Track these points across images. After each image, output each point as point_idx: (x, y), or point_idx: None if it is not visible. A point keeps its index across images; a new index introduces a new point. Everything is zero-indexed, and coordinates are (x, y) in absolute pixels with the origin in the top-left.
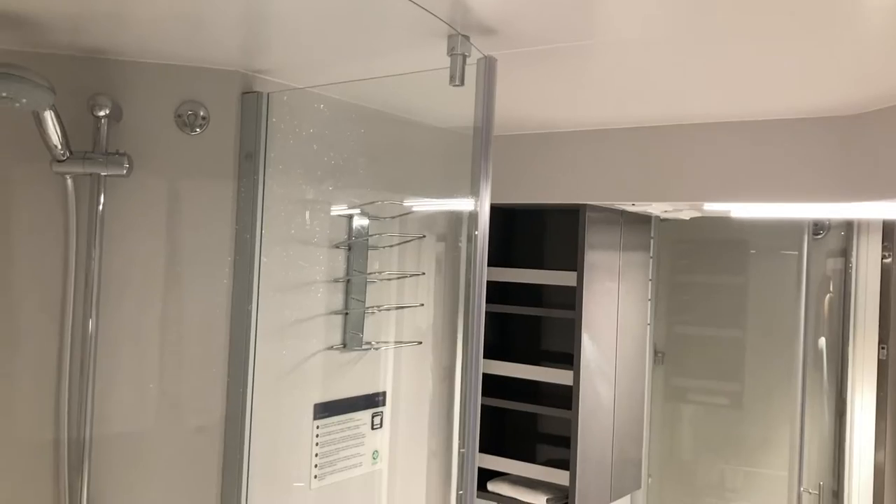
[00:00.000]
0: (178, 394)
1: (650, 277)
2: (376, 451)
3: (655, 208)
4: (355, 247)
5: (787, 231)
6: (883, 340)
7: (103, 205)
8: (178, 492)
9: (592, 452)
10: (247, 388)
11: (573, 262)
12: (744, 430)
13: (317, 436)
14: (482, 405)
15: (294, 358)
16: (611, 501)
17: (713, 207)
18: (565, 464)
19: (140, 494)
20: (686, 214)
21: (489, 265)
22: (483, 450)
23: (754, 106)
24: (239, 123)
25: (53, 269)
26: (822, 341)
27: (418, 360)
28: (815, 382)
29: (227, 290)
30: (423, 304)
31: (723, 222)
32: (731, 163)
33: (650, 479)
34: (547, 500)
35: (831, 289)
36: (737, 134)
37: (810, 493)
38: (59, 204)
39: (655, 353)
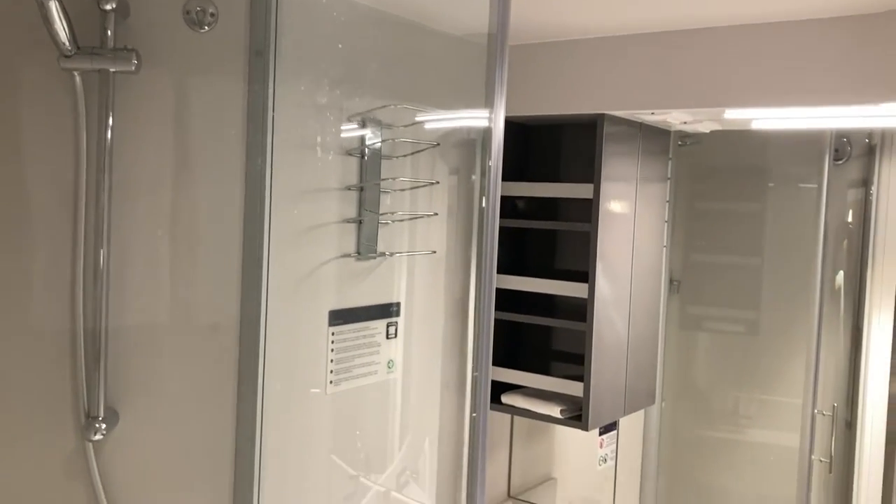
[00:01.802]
0: (191, 292)
1: (667, 199)
2: (391, 360)
3: (675, 118)
4: (368, 155)
5: (807, 156)
6: None
7: (113, 101)
8: (195, 388)
9: (607, 367)
10: (261, 290)
11: (590, 176)
12: (759, 359)
13: (332, 342)
14: (498, 319)
15: (308, 264)
16: (624, 415)
17: (733, 116)
18: (579, 377)
19: (158, 388)
20: (706, 126)
21: (504, 180)
22: (498, 363)
23: (772, 6)
24: (248, 21)
25: (65, 165)
26: (841, 274)
27: (432, 274)
28: (831, 312)
29: (240, 190)
30: (436, 214)
31: (742, 145)
32: (749, 66)
33: (664, 404)
34: (560, 411)
35: (850, 219)
36: (755, 36)
37: (824, 414)
38: (68, 100)
39: (671, 281)
